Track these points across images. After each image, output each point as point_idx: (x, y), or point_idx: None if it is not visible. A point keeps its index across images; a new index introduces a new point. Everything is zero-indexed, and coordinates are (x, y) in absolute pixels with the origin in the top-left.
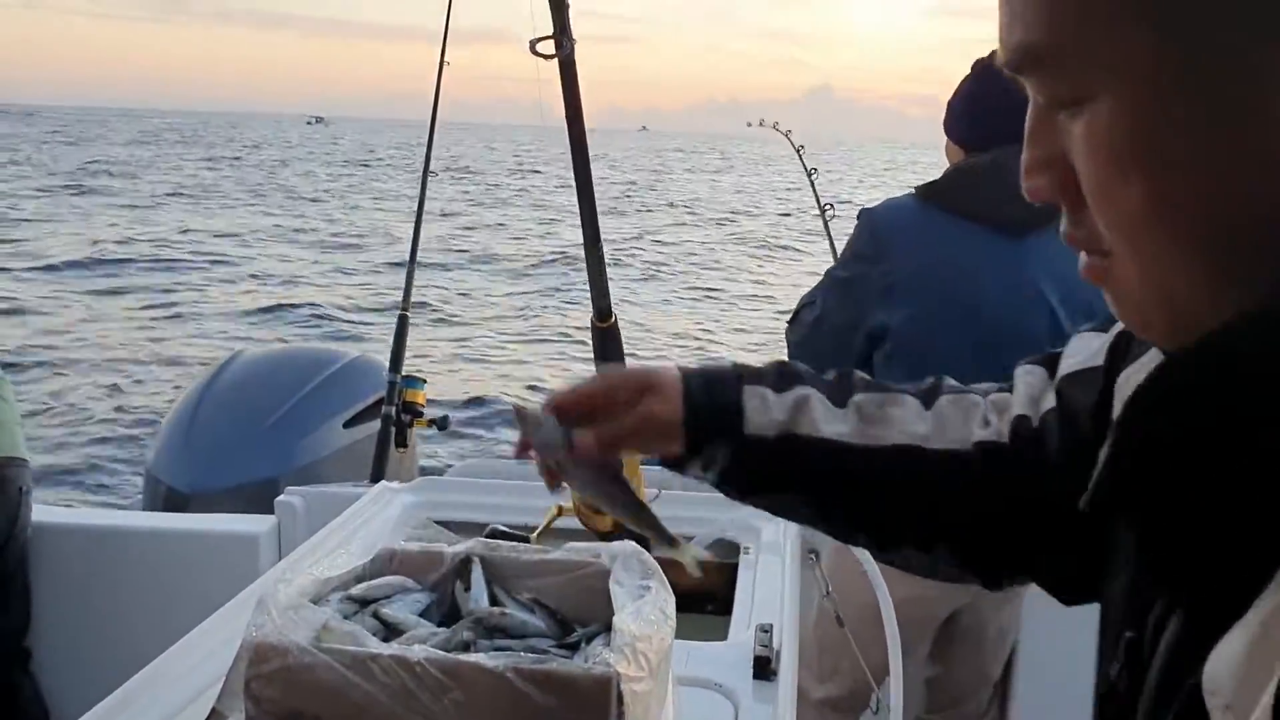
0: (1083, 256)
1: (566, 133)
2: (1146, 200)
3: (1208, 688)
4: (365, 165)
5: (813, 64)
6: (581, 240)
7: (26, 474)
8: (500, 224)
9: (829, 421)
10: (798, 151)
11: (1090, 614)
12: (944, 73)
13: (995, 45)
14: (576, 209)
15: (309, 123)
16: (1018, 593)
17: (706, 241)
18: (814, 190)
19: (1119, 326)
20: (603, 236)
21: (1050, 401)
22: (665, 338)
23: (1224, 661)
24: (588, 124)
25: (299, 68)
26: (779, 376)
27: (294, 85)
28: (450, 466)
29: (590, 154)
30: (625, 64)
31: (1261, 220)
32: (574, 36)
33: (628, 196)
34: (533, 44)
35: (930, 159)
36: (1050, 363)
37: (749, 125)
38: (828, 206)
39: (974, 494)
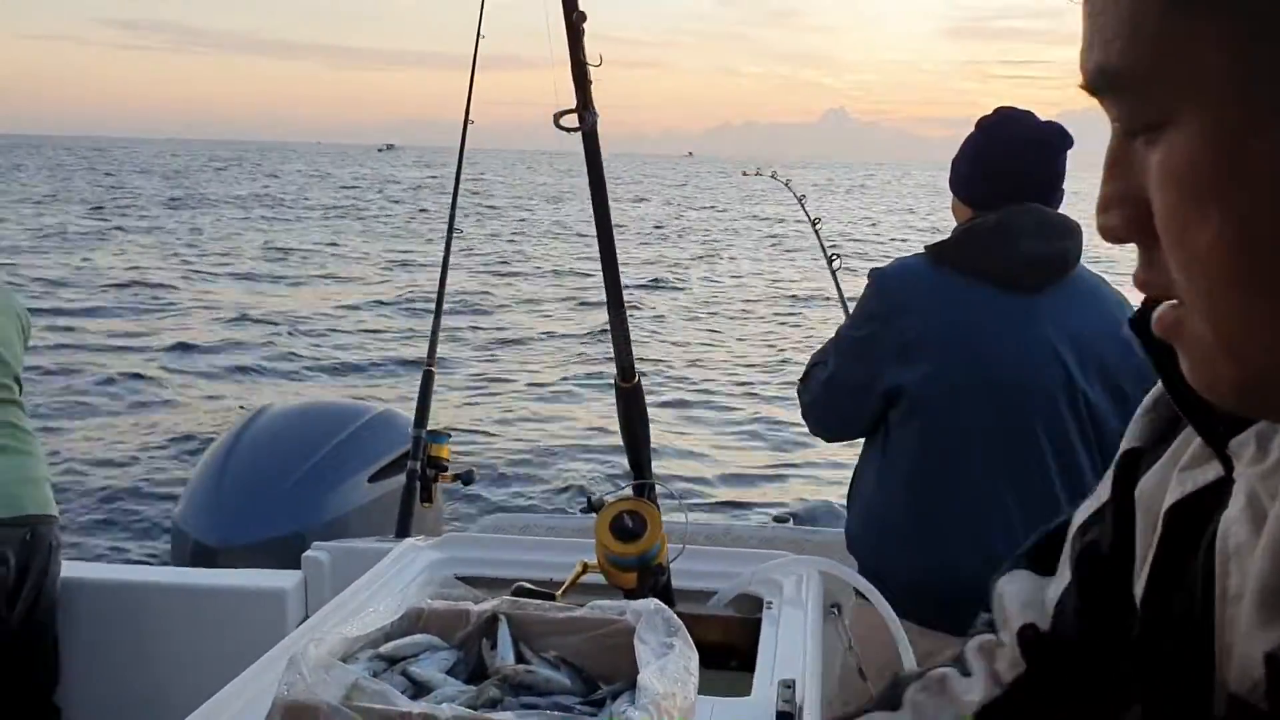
0: (1155, 314)
1: (590, 199)
2: (1225, 238)
3: None
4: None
5: (827, 85)
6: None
7: (56, 530)
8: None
9: None
10: (799, 201)
11: None
12: (957, 93)
13: (1006, 66)
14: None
15: (380, 150)
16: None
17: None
18: (819, 239)
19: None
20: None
21: (1062, 582)
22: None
23: None
24: (622, 148)
25: (345, 98)
26: None
27: (358, 115)
28: (476, 521)
29: (681, 183)
30: (642, 89)
31: None
32: (596, 110)
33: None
34: (556, 118)
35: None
36: (1031, 555)
37: (745, 174)
38: (835, 258)
39: None
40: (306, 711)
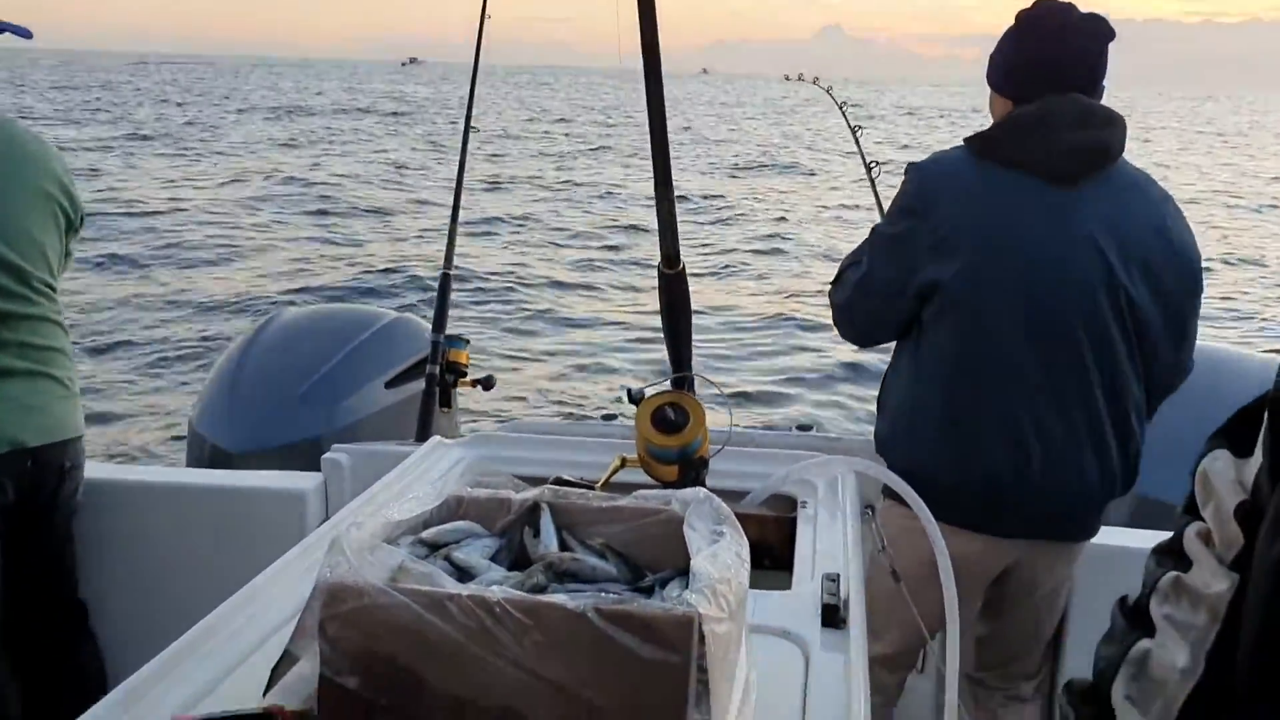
0: None
1: (642, 65)
2: None
3: None
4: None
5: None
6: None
7: (72, 450)
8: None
9: None
10: (840, 108)
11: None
12: (956, 9)
13: None
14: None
15: (403, 64)
16: (1071, 549)
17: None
18: (859, 148)
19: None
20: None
21: (1256, 464)
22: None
23: None
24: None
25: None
26: None
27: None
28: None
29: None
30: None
31: None
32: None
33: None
34: None
35: (952, 104)
36: (1229, 435)
37: (786, 79)
38: (873, 164)
39: None
40: (351, 593)
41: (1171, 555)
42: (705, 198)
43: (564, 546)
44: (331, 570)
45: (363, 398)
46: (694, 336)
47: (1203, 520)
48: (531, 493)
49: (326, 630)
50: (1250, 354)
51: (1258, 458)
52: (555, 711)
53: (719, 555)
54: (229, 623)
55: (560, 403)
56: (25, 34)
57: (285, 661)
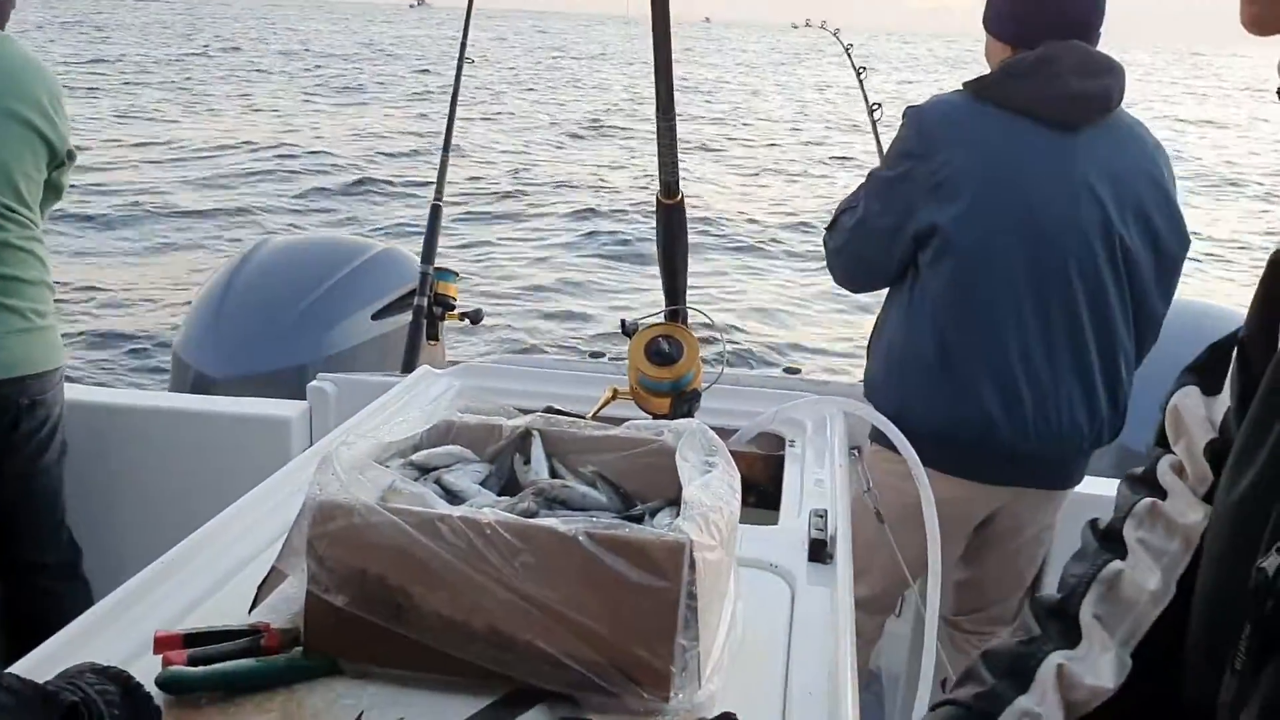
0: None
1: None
2: None
3: None
4: None
5: None
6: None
7: (44, 383)
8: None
9: (1095, 669)
10: (847, 51)
11: None
12: None
13: None
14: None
15: (411, 6)
16: (1055, 497)
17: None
18: (863, 90)
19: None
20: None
21: (1225, 403)
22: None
23: None
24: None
25: None
26: (1005, 672)
27: None
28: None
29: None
30: None
31: None
32: None
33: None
34: None
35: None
36: (1199, 371)
37: (794, 26)
38: (876, 106)
39: None
40: (341, 511)
41: (1145, 484)
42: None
43: (554, 474)
44: (321, 488)
45: (349, 328)
46: (691, 270)
47: (1174, 454)
48: (523, 420)
49: (315, 548)
50: (1237, 308)
51: (1225, 397)
52: (544, 633)
53: (711, 485)
54: (215, 541)
55: (551, 338)
56: None
57: (272, 578)
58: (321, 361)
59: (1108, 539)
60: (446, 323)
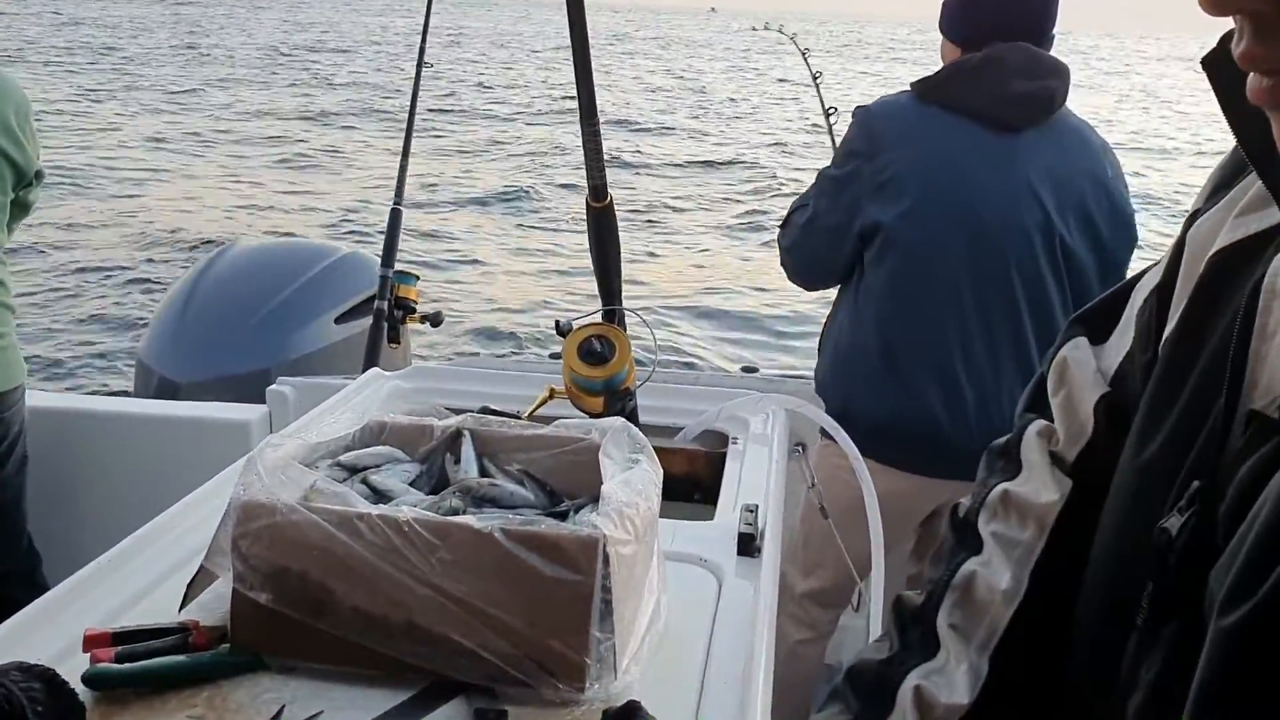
0: (1251, 79)
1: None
2: None
3: None
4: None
5: None
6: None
7: (13, 400)
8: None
9: (951, 686)
10: (803, 55)
11: None
12: None
13: None
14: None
15: None
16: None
17: None
18: (819, 94)
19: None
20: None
21: (1125, 347)
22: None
23: None
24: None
25: None
26: (867, 695)
27: None
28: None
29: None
30: None
31: None
32: None
33: None
34: None
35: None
36: (1086, 321)
37: (754, 29)
38: (832, 110)
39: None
40: (263, 510)
41: (1004, 457)
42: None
43: (484, 473)
44: (245, 489)
45: (312, 332)
46: (624, 271)
47: (1043, 420)
48: (454, 420)
49: (239, 546)
50: None
51: (1114, 343)
52: (462, 627)
53: (631, 481)
54: (154, 542)
55: (514, 337)
56: None
57: (201, 577)
58: (286, 365)
59: (963, 533)
60: (411, 326)
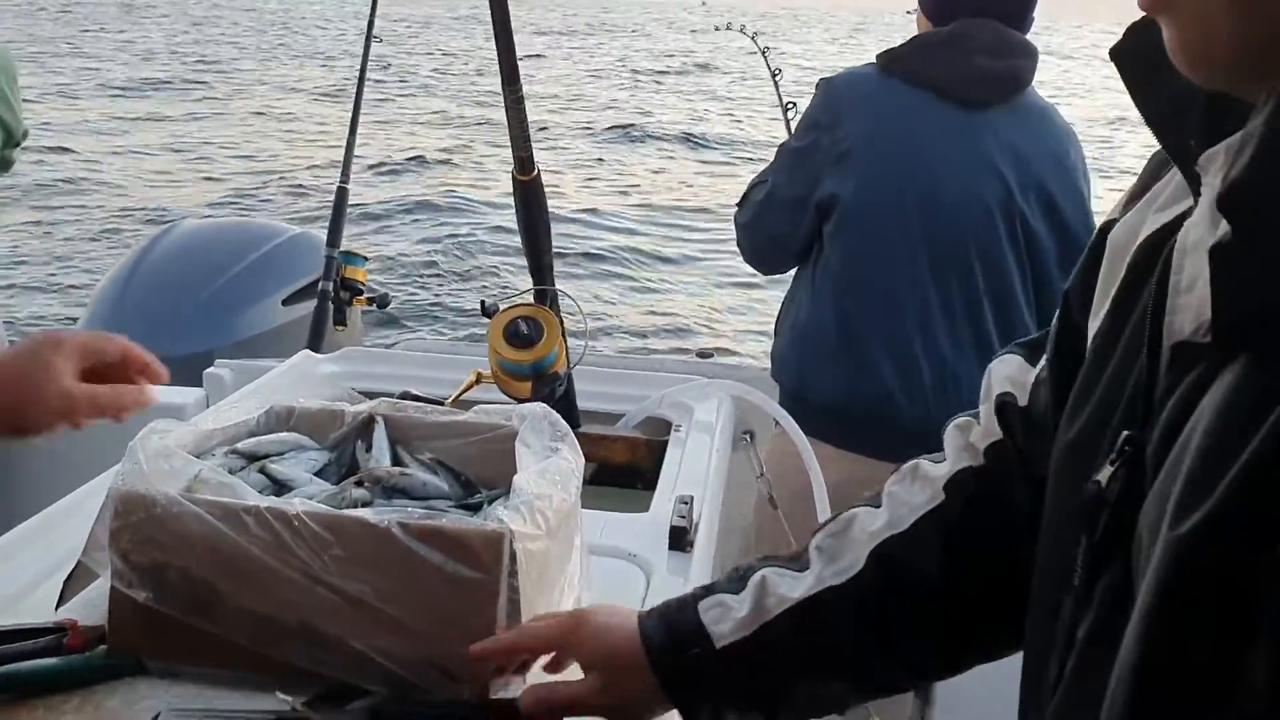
0: None
1: None
2: None
3: None
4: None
5: None
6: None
7: None
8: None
9: (794, 586)
10: (763, 54)
11: None
12: None
13: None
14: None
15: None
16: None
17: None
18: (777, 90)
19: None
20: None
21: (1042, 360)
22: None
23: None
24: None
25: None
26: (731, 579)
27: None
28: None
29: None
30: None
31: None
32: None
33: None
34: None
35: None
36: (1026, 344)
37: (716, 29)
38: (790, 105)
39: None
40: (141, 502)
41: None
42: None
43: (397, 461)
44: (124, 478)
45: (258, 313)
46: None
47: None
48: (365, 405)
49: (117, 541)
50: None
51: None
52: (358, 628)
53: (546, 472)
54: (42, 536)
55: (469, 320)
56: None
57: (79, 573)
58: (229, 348)
59: (875, 495)
60: (355, 307)
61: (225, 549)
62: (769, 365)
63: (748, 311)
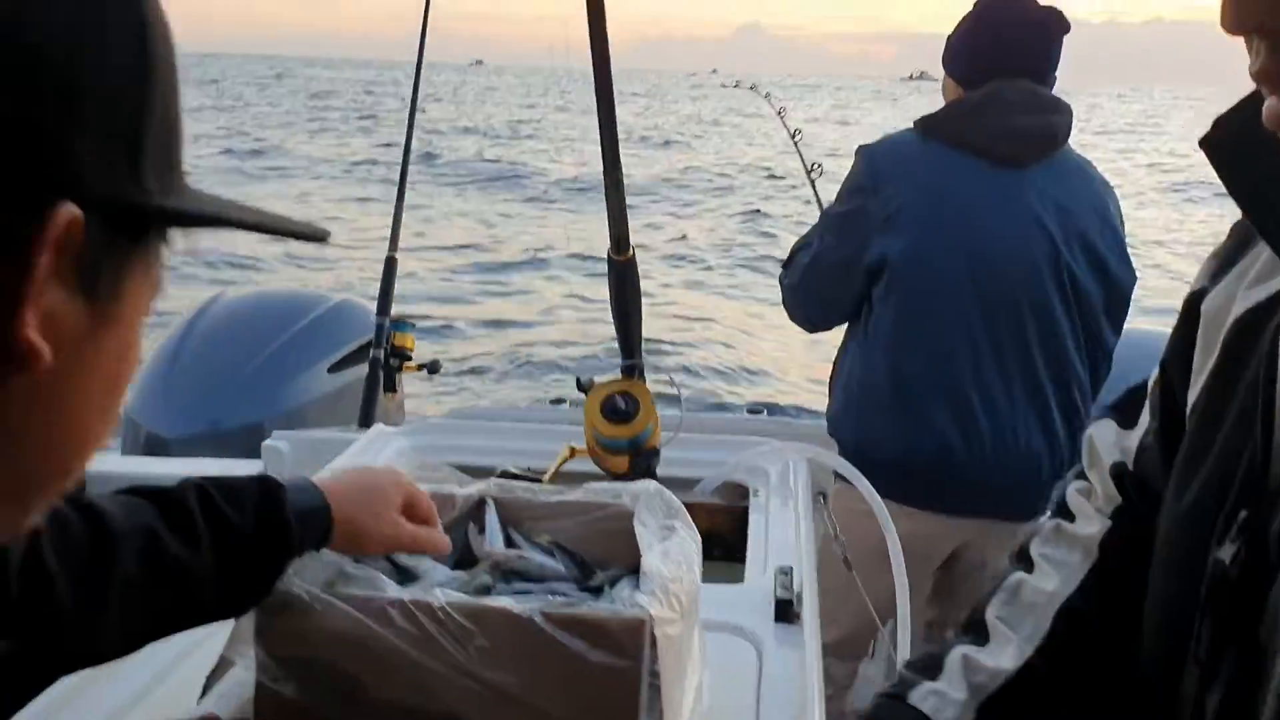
0: (1269, 104)
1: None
2: None
3: None
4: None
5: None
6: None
7: None
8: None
9: (998, 657)
10: (779, 114)
11: None
12: (870, 7)
13: None
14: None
15: (471, 65)
16: (1017, 530)
17: None
18: (798, 151)
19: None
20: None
21: (1145, 424)
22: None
23: None
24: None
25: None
26: (919, 667)
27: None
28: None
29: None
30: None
31: None
32: None
33: None
34: None
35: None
36: (1116, 408)
37: (723, 86)
38: (815, 166)
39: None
40: (288, 598)
41: (1056, 508)
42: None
43: (510, 543)
44: None
45: (305, 383)
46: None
47: (1085, 480)
48: (476, 487)
49: (263, 637)
50: None
51: (1142, 425)
52: (502, 718)
53: (670, 553)
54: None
55: (511, 385)
56: None
57: (221, 667)
58: (279, 417)
59: (1018, 558)
60: (404, 374)
61: (371, 643)
62: (823, 419)
63: (789, 363)
